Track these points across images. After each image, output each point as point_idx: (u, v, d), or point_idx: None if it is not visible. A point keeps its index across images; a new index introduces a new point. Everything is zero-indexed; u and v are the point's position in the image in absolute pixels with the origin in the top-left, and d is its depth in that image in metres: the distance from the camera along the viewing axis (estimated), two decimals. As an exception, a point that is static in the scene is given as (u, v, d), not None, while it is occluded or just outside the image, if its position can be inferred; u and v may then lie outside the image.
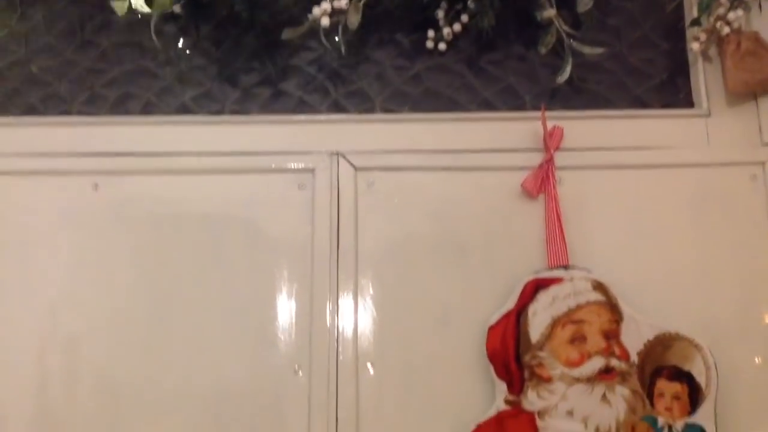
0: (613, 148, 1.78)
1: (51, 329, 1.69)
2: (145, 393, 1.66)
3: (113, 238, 1.75)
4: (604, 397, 1.57)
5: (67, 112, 1.85)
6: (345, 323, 1.69)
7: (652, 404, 1.57)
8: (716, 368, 1.57)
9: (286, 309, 1.70)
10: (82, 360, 1.68)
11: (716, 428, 1.55)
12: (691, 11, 1.86)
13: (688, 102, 1.84)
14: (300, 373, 1.66)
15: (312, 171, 1.76)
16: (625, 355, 1.60)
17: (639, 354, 1.60)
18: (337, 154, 1.78)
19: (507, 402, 1.60)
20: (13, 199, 1.77)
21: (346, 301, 1.70)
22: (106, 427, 1.64)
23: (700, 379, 1.58)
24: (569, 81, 1.81)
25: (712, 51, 1.84)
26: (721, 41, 1.79)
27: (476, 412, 1.60)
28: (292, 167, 1.77)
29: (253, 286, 1.72)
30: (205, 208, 1.76)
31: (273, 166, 1.78)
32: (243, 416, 1.65)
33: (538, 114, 1.76)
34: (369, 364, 1.66)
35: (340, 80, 1.87)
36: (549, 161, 1.73)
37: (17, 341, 1.69)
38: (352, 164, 1.77)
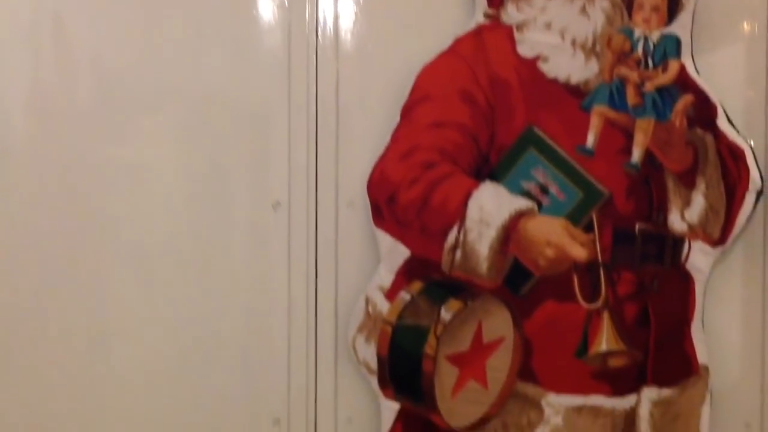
0: None
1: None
2: (135, 85, 1.65)
3: None
4: (583, 9, 1.56)
5: None
6: None
7: (630, 17, 1.58)
8: (698, -21, 1.56)
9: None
10: (73, 44, 1.65)
11: (691, 38, 1.58)
12: None
13: None
14: None
15: None
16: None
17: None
18: None
19: (486, 16, 1.60)
20: None
21: None
22: (99, 118, 1.66)
23: (680, -11, 1.57)
24: None
25: None
26: None
27: (456, 27, 1.61)
28: None
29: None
30: None
31: None
32: (228, 117, 1.66)
33: None
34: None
35: None
36: None
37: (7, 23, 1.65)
38: None
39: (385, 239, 1.61)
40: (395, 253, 1.61)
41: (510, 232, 1.49)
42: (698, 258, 1.58)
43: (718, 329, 1.64)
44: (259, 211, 1.66)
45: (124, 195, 1.67)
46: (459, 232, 1.52)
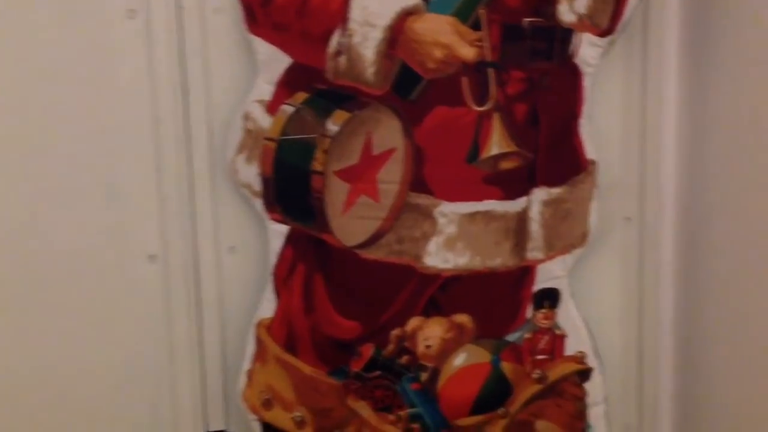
0: None
1: None
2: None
3: None
4: None
5: None
6: None
7: None
8: None
9: None
10: None
11: None
12: None
13: None
14: None
15: None
16: None
17: None
18: None
19: None
20: None
21: None
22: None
23: None
24: None
25: None
26: None
27: None
28: None
29: None
30: None
31: None
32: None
33: None
34: None
35: None
36: None
37: None
38: None
39: (263, 47, 1.47)
40: (274, 61, 1.48)
41: (396, 33, 1.40)
42: (587, 50, 1.52)
43: (599, 123, 1.60)
44: (111, 20, 1.47)
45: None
46: (342, 36, 1.41)
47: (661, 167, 1.65)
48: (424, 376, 1.59)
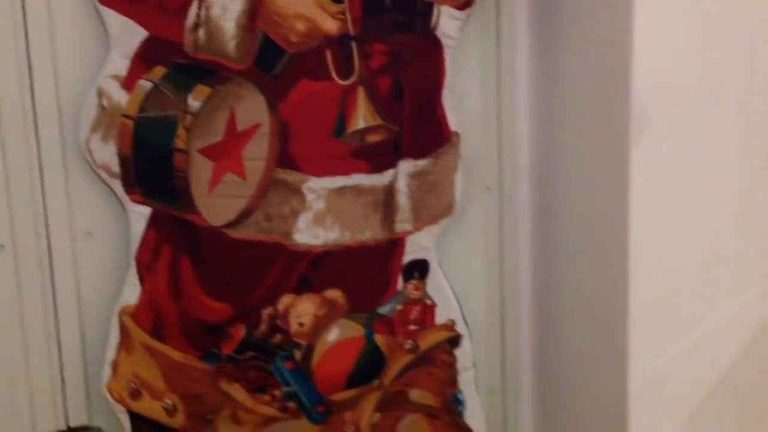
0: None
1: None
2: None
3: None
4: None
5: None
6: None
7: None
8: None
9: None
10: None
11: None
12: None
13: None
14: None
15: None
16: None
17: None
18: None
19: None
20: None
21: None
22: None
23: None
24: None
25: None
26: None
27: None
28: None
29: None
30: None
31: None
32: None
33: None
34: None
35: None
36: None
37: None
38: None
39: (115, 19, 1.39)
40: (129, 34, 1.40)
41: (257, 5, 1.37)
42: (447, 23, 1.52)
43: (460, 95, 1.61)
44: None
45: None
46: (200, 8, 1.36)
47: (517, 138, 1.68)
48: (298, 354, 1.56)
